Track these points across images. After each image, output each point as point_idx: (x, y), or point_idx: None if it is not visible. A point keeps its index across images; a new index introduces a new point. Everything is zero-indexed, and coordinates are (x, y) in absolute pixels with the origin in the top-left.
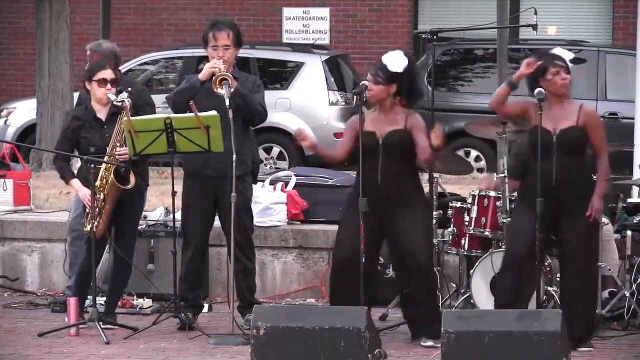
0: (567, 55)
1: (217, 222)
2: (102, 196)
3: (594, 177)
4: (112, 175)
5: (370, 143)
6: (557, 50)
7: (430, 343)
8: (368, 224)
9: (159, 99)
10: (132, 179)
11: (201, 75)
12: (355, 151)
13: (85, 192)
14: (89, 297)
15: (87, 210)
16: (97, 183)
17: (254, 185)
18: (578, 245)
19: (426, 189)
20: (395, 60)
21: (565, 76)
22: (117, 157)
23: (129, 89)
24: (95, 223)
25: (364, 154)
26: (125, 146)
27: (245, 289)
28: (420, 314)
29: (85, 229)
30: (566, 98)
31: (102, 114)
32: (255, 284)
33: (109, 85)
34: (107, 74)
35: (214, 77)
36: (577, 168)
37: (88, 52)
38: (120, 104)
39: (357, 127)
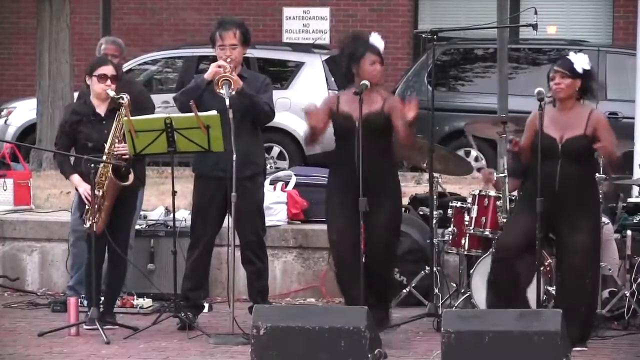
0: (578, 61)
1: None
2: (101, 193)
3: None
4: (110, 173)
5: (347, 125)
6: (571, 55)
7: None
8: (346, 206)
9: (159, 99)
10: (131, 176)
11: (207, 75)
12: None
13: (85, 188)
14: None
15: (87, 207)
16: (96, 179)
17: None
18: (578, 248)
19: (426, 189)
20: (379, 41)
21: (559, 81)
22: (117, 153)
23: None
24: (95, 220)
25: (341, 134)
26: (124, 142)
27: (257, 291)
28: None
29: (84, 226)
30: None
31: (101, 109)
32: (267, 285)
33: (108, 82)
34: (108, 69)
35: (216, 78)
36: (580, 175)
37: (103, 46)
38: (118, 100)
39: (334, 108)
